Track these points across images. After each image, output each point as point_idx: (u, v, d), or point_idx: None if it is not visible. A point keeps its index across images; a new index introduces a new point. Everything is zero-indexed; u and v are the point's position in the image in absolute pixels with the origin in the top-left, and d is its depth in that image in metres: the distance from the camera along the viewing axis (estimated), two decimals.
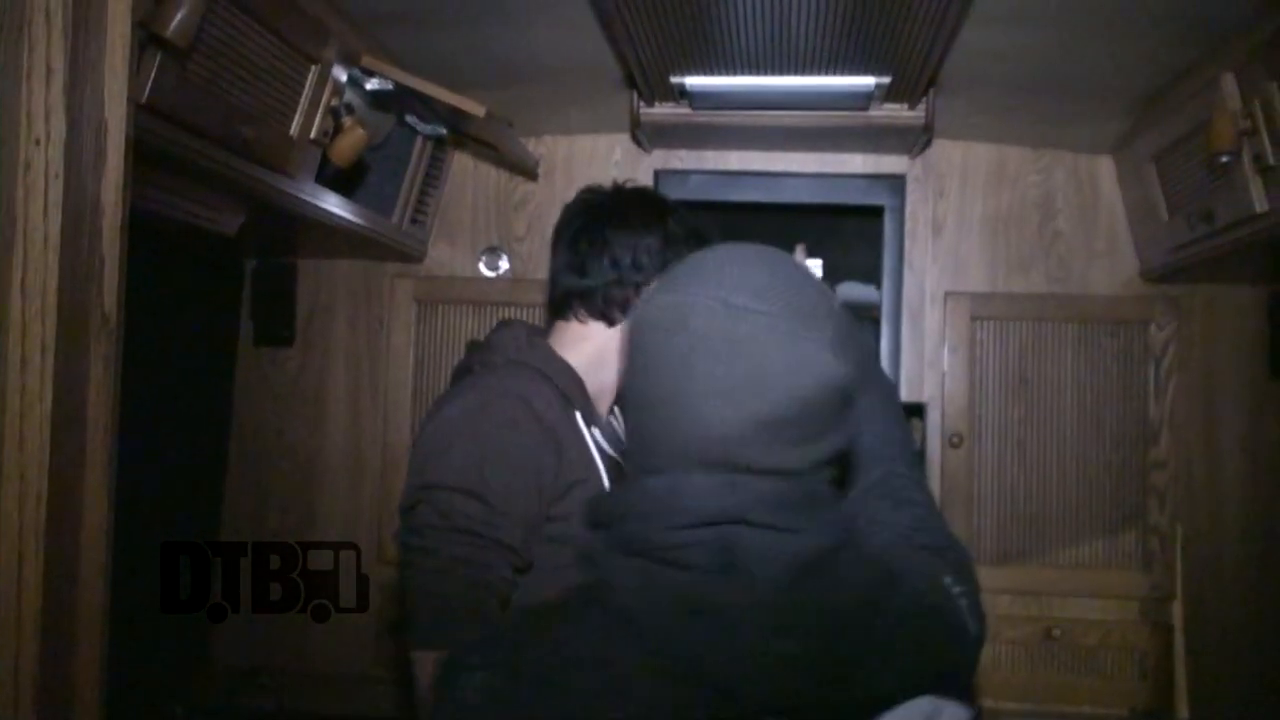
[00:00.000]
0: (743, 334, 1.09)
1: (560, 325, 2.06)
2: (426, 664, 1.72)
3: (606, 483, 1.97)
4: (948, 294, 3.08)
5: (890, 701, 1.11)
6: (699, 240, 2.06)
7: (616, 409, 2.18)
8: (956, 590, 1.19)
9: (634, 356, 1.16)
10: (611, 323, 2.04)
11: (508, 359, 1.96)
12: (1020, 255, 3.10)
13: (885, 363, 3.04)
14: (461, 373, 2.02)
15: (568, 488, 1.87)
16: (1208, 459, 3.02)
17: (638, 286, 2.01)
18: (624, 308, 2.03)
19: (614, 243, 2.00)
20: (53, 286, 0.96)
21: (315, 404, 3.20)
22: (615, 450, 2.03)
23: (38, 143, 0.95)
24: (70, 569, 0.96)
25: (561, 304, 2.05)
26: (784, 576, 1.07)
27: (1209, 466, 3.02)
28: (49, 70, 0.94)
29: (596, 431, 1.99)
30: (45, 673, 0.92)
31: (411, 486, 1.82)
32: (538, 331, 2.08)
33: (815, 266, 3.09)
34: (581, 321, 2.03)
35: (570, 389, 1.97)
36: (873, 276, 3.12)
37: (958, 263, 3.11)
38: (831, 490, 1.20)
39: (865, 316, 3.04)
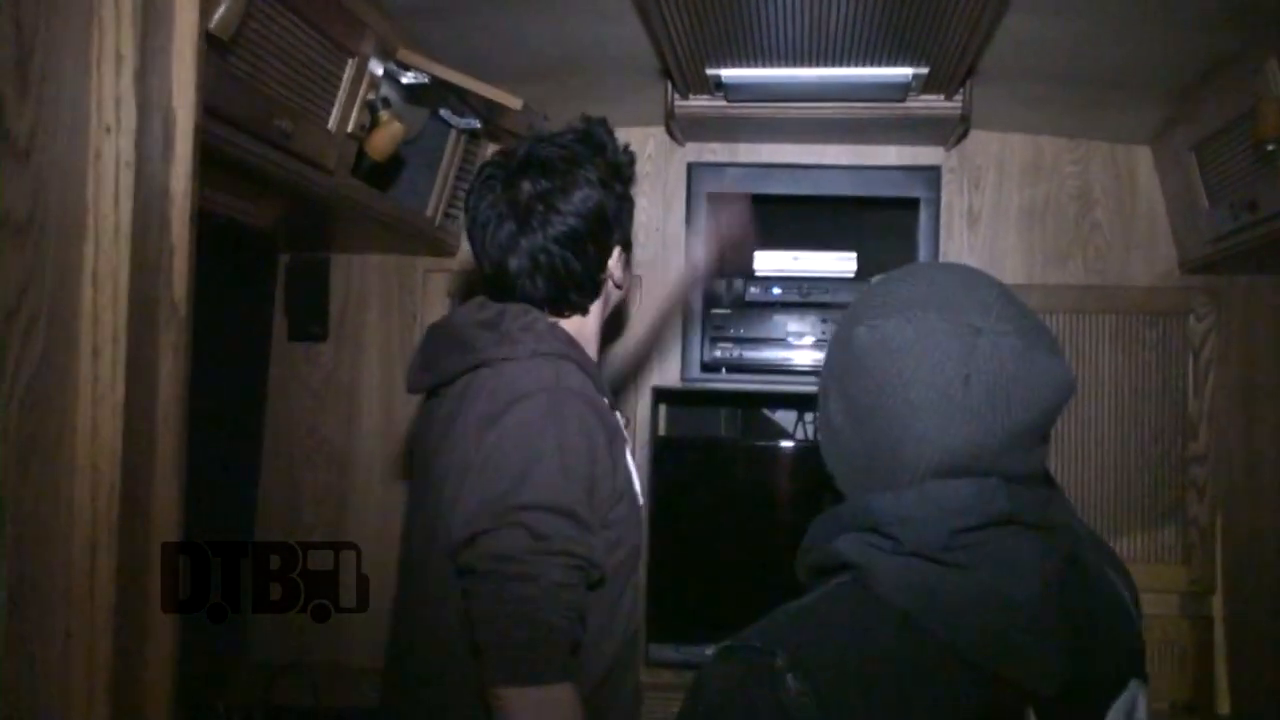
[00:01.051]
0: (991, 354, 1.16)
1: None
2: (534, 700, 1.60)
3: (634, 473, 1.87)
4: None
5: (1120, 684, 1.26)
6: (623, 174, 1.94)
7: None
8: (1120, 581, 1.34)
9: (872, 377, 1.20)
10: (587, 313, 1.94)
11: (534, 351, 1.79)
12: (1058, 247, 3.08)
13: None
14: (468, 367, 1.84)
15: (620, 495, 1.80)
16: (1247, 452, 2.99)
17: (602, 264, 1.90)
18: (594, 292, 1.93)
19: (563, 242, 1.83)
20: (123, 275, 0.95)
21: (349, 399, 3.19)
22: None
23: (108, 130, 0.94)
24: (143, 559, 0.96)
25: (533, 303, 1.90)
26: (1055, 572, 1.17)
27: (1248, 459, 2.99)
28: (119, 57, 0.93)
29: (618, 414, 1.92)
30: (119, 662, 0.92)
31: (493, 506, 1.65)
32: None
33: (849, 260, 3.08)
34: (576, 314, 1.93)
35: (597, 376, 1.88)
36: None
37: (994, 255, 3.09)
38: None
39: None
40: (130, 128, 0.95)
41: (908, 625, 1.12)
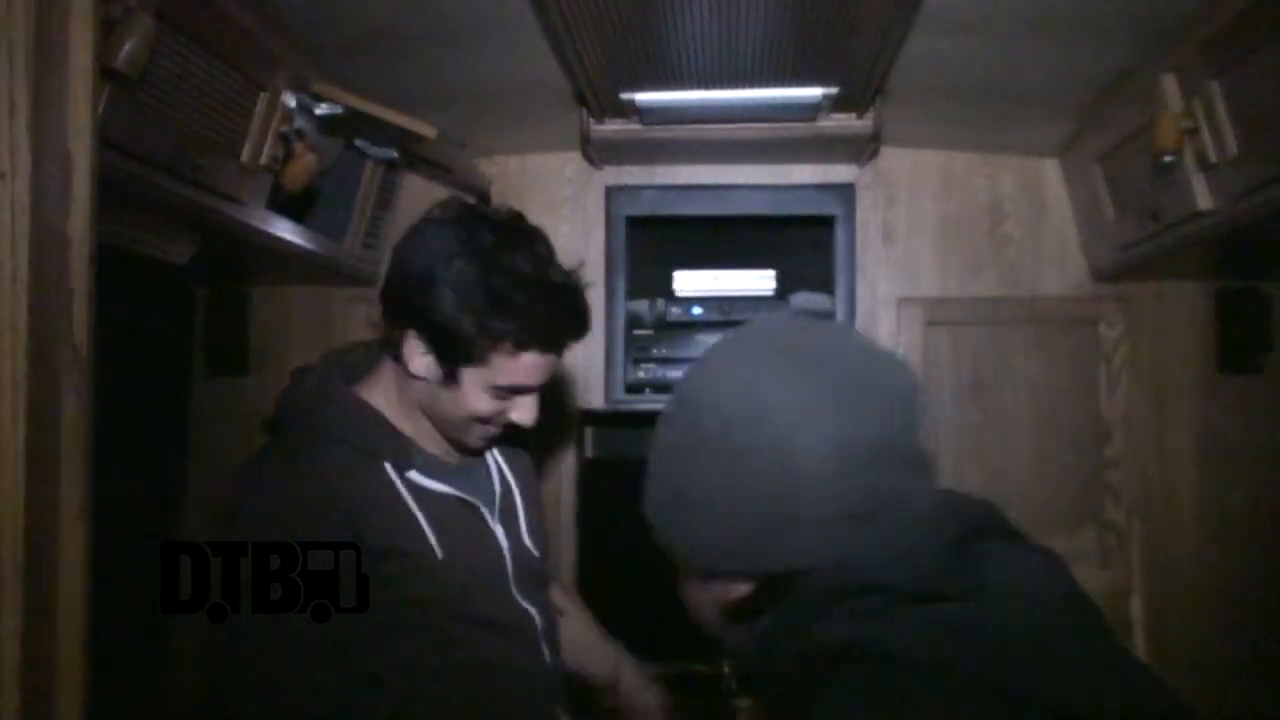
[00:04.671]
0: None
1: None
2: None
3: (428, 529, 1.85)
4: (900, 300, 3.10)
5: None
6: (482, 329, 1.80)
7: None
8: None
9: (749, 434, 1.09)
10: (395, 360, 1.90)
11: (294, 423, 1.88)
12: (971, 259, 3.13)
13: None
14: (265, 431, 1.97)
15: (377, 556, 1.78)
16: (1160, 454, 3.06)
17: (402, 329, 1.85)
18: (391, 345, 1.90)
19: (404, 270, 1.84)
20: (22, 322, 0.94)
21: None
22: (454, 483, 1.93)
23: (2, 177, 0.93)
24: (47, 608, 0.95)
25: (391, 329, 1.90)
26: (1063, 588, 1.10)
27: (1162, 461, 3.06)
28: (12, 104, 0.93)
29: (415, 474, 1.88)
30: (26, 710, 0.91)
31: None
32: (335, 374, 1.95)
33: (768, 277, 3.12)
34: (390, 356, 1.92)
35: (372, 442, 1.86)
36: (826, 285, 3.14)
37: (910, 269, 3.14)
38: None
39: None
40: (26, 173, 0.94)
41: (949, 680, 0.97)
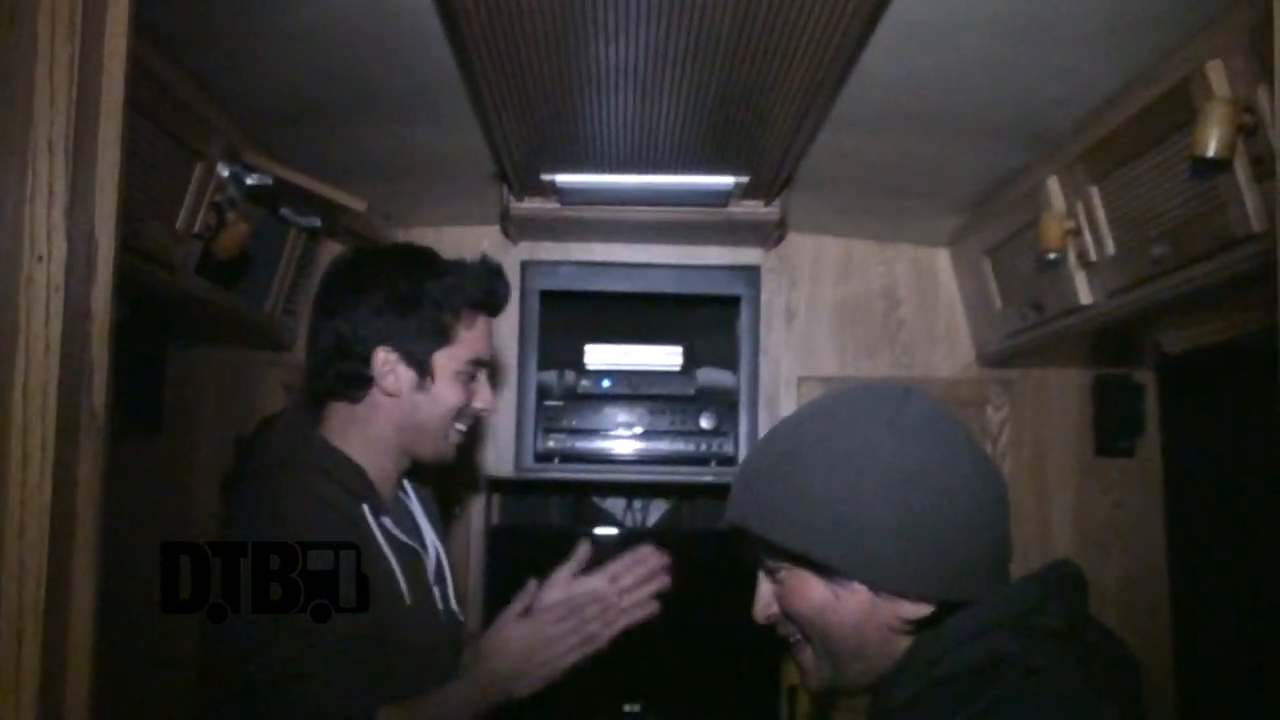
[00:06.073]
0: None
1: (328, 409, 1.96)
2: None
3: (400, 576, 1.87)
4: (801, 378, 3.24)
5: None
6: (441, 301, 1.92)
7: (409, 486, 2.09)
8: None
9: (939, 483, 1.31)
10: (353, 401, 1.93)
11: (282, 462, 1.86)
12: (867, 341, 3.29)
13: (743, 446, 3.16)
14: (231, 482, 1.95)
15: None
16: (1041, 532, 3.22)
17: (364, 358, 1.89)
18: (356, 383, 1.91)
19: (337, 312, 1.90)
20: (53, 389, 1.03)
21: (182, 493, 3.16)
22: (410, 537, 1.96)
23: (40, 259, 1.03)
24: (63, 644, 1.02)
25: (308, 385, 1.98)
26: None
27: (1042, 539, 3.21)
28: (51, 194, 1.02)
29: (388, 521, 1.91)
30: None
31: None
32: (305, 423, 1.96)
33: (675, 353, 3.23)
34: (344, 401, 1.94)
35: (352, 482, 1.88)
36: (730, 362, 3.26)
37: (810, 349, 3.29)
38: None
39: (723, 402, 3.18)
40: (61, 256, 1.03)
41: (1079, 689, 1.22)
